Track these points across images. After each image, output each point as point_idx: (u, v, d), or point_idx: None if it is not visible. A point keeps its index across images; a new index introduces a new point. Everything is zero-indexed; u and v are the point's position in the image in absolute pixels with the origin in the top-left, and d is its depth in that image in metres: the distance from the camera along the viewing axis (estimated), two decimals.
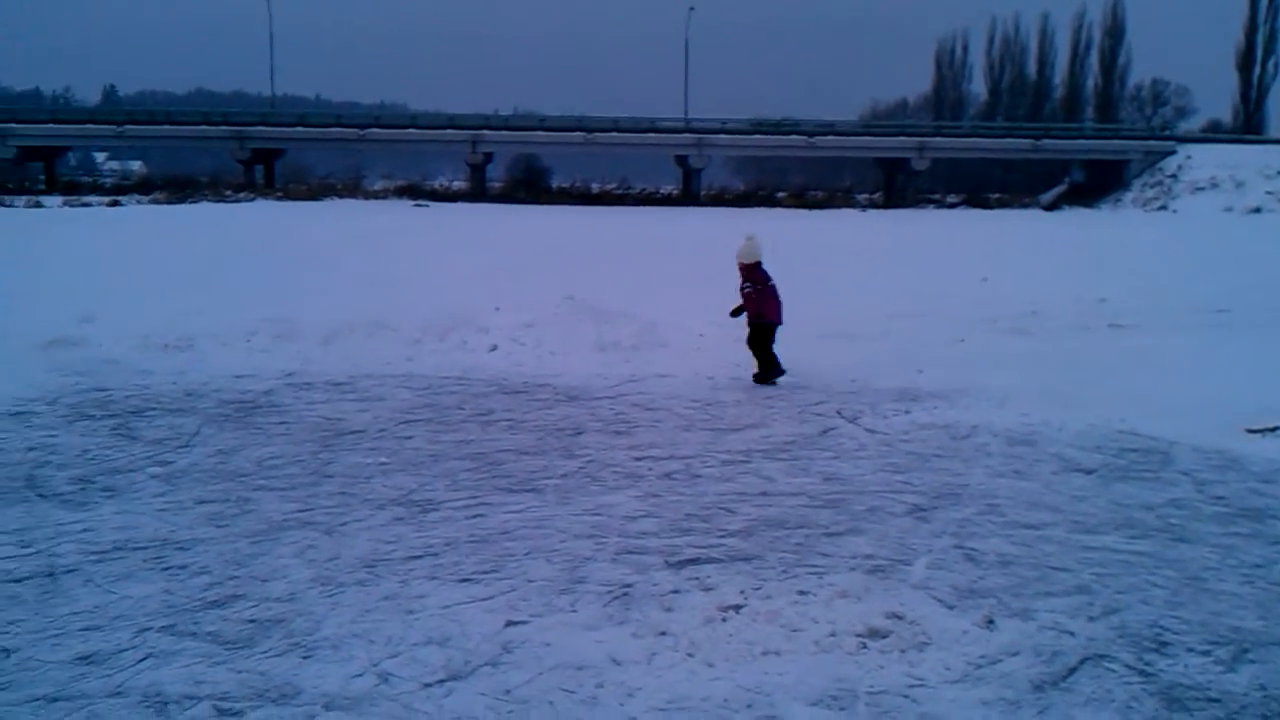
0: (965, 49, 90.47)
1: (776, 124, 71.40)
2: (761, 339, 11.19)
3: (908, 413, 9.63)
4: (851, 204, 65.77)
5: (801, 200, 65.13)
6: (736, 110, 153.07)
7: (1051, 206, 63.91)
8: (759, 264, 11.29)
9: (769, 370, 11.15)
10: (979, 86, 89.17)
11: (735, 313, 11.45)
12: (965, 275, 20.81)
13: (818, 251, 26.98)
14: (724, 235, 32.85)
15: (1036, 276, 20.67)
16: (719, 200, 66.98)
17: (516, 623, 4.99)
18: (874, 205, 66.14)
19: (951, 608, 5.24)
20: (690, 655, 4.69)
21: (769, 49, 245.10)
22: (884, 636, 4.90)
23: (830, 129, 70.01)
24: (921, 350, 12.68)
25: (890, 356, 12.29)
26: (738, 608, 5.17)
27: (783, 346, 11.97)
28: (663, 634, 4.88)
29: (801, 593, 5.39)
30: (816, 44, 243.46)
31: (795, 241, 31.25)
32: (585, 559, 5.84)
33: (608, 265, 21.95)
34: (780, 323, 11.25)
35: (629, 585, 5.45)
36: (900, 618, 5.07)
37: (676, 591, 5.37)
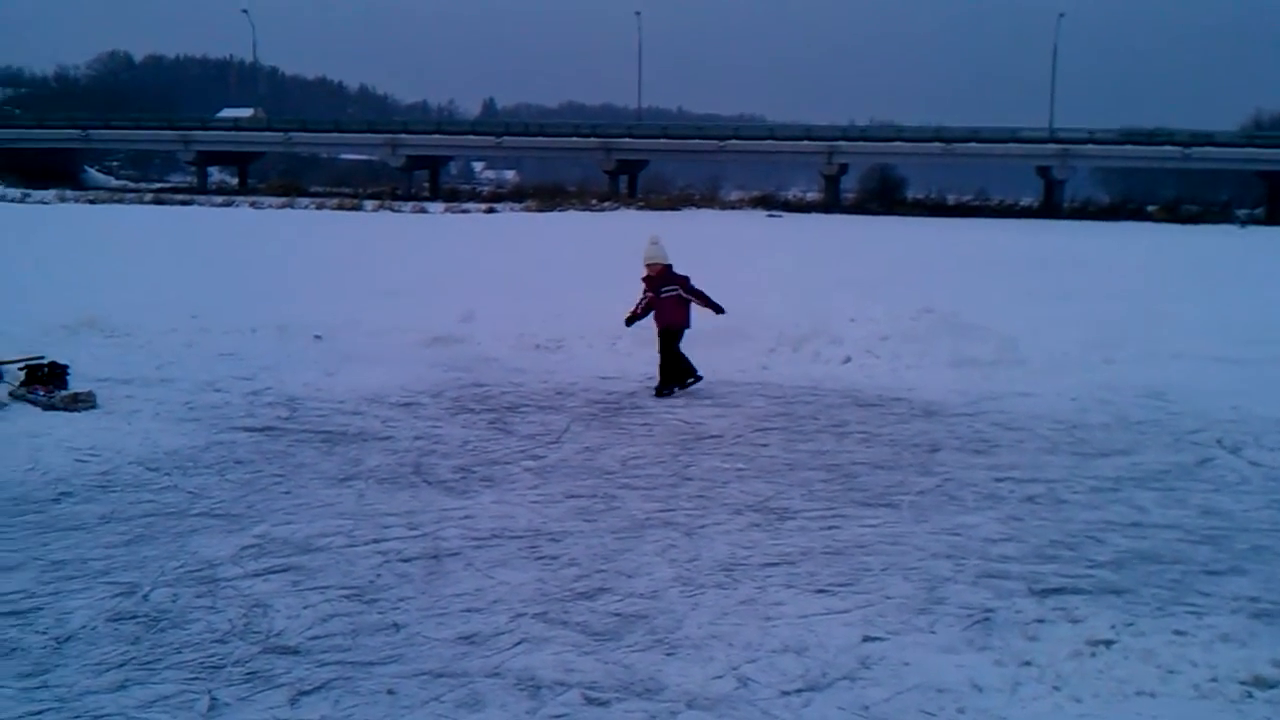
0: None
1: (1149, 134, 67.38)
2: (670, 344, 10.75)
3: None
4: (1229, 219, 60.88)
5: (1173, 214, 61.00)
6: (1103, 119, 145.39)
7: None
8: (670, 266, 10.87)
9: (684, 375, 10.73)
10: None
11: (630, 319, 11.07)
12: None
13: (1192, 267, 25.31)
14: (1089, 249, 31.43)
15: None
16: (1082, 213, 63.90)
17: (874, 639, 4.96)
18: (1254, 221, 60.92)
19: None
20: (1057, 688, 4.51)
21: (1141, 55, 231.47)
22: (1271, 686, 4.54)
23: (1208, 139, 65.33)
24: None
25: (1277, 383, 11.31)
26: (1108, 643, 4.92)
27: (1153, 368, 11.35)
28: (1027, 664, 4.72)
29: (1178, 632, 5.07)
30: (1193, 50, 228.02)
31: (1167, 256, 29.50)
32: (944, 579, 5.73)
33: (965, 278, 21.40)
34: (688, 326, 10.89)
35: (990, 610, 5.31)
36: None
37: (1041, 621, 5.18)
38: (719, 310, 11.01)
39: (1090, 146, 66.27)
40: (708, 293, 10.92)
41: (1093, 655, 4.81)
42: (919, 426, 9.42)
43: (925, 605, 5.37)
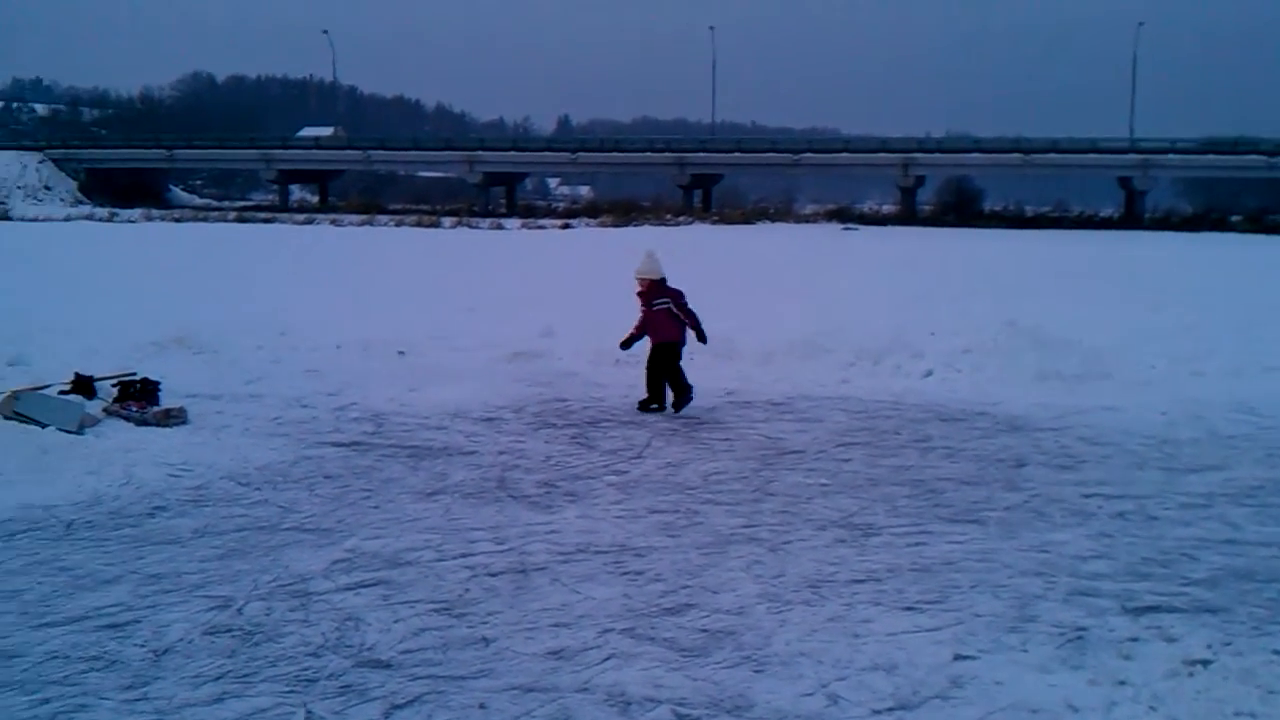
0: None
1: (1232, 142, 66.06)
2: (669, 361, 10.44)
3: None
4: None
5: (1259, 225, 59.53)
6: (1184, 128, 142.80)
7: None
8: (664, 280, 10.63)
9: (660, 397, 10.44)
10: None
11: (627, 344, 10.83)
12: None
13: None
14: (1174, 261, 30.89)
15: None
16: (1164, 224, 62.67)
17: (964, 657, 4.90)
18: None
19: None
20: (1153, 709, 4.43)
21: (1222, 62, 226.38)
22: None
23: None
24: None
25: None
26: (1205, 663, 4.83)
27: (1244, 382, 11.09)
28: (1122, 683, 4.64)
29: (1277, 652, 4.96)
30: (1277, 57, 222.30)
31: (1254, 268, 28.89)
32: (1035, 597, 5.65)
33: (1047, 290, 21.12)
34: (683, 343, 10.55)
35: (1083, 629, 5.23)
36: None
37: (1135, 640, 5.09)
38: (702, 338, 10.69)
39: (1171, 156, 65.07)
40: (699, 317, 10.64)
41: (1190, 675, 4.72)
42: (1004, 441, 9.30)
43: (1016, 623, 5.30)
